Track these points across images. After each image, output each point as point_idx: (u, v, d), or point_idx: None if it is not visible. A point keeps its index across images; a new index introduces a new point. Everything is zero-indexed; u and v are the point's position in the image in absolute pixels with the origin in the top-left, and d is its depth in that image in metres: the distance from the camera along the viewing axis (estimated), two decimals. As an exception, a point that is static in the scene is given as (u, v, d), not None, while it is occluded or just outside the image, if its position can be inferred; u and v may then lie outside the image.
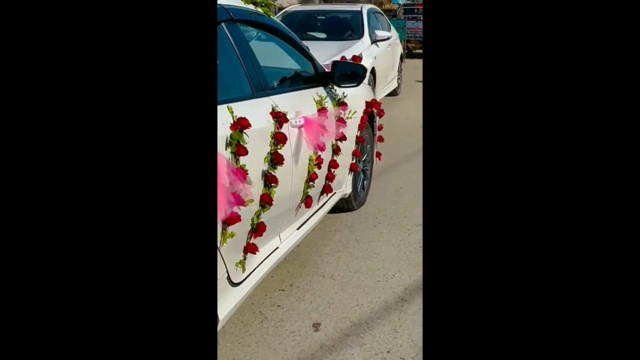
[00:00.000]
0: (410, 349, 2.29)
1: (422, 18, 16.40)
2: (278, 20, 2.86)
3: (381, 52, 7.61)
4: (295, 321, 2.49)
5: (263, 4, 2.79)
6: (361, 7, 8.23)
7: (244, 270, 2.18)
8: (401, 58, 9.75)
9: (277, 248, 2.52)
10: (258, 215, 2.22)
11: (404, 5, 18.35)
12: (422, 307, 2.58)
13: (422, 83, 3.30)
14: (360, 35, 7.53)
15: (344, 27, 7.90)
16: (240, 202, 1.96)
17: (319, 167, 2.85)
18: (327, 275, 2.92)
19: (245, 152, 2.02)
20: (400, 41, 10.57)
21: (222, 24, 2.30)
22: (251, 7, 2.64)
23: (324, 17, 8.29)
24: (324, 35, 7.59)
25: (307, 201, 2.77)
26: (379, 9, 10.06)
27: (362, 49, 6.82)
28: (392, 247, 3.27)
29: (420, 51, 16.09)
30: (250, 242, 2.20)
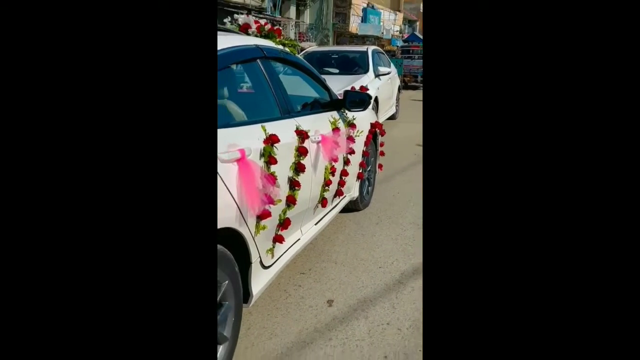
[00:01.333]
0: (406, 322, 2.29)
1: (416, 57, 16.47)
2: (301, 58, 2.88)
3: (383, 84, 7.62)
4: (313, 298, 2.51)
5: (290, 45, 2.84)
6: (367, 48, 8.26)
7: (272, 256, 2.21)
8: (399, 89, 9.72)
9: (299, 239, 2.53)
10: (284, 212, 2.24)
11: (401, 47, 18.38)
12: (414, 288, 2.59)
13: (415, 105, 3.24)
14: (366, 71, 7.54)
15: (353, 64, 7.91)
16: (271, 201, 1.98)
17: (333, 175, 2.87)
18: (339, 262, 2.93)
19: (275, 162, 2.06)
20: (398, 75, 10.56)
21: (258, 60, 2.34)
22: (280, 47, 2.68)
23: (337, 56, 8.31)
24: (337, 71, 7.59)
25: (323, 202, 2.79)
26: (381, 50, 10.08)
27: (368, 81, 6.83)
28: (391, 240, 3.27)
29: (414, 83, 16.15)
30: (278, 233, 2.22)
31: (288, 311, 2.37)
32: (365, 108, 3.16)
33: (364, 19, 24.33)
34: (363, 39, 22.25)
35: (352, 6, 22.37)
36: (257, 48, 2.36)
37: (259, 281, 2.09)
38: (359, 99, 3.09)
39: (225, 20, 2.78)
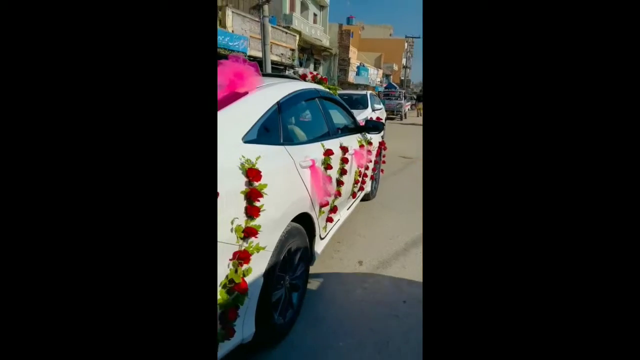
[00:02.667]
0: (412, 277, 2.20)
1: (393, 99, 16.38)
2: (338, 97, 2.80)
3: (376, 114, 7.58)
4: (349, 259, 2.41)
5: (331, 88, 2.78)
6: (366, 92, 8.30)
7: (325, 231, 2.11)
8: (385, 118, 9.71)
9: (339, 219, 2.44)
10: (333, 202, 2.15)
11: (383, 92, 18.28)
12: (417, 254, 2.49)
13: (394, 127, 3.13)
14: (366, 107, 7.48)
15: (357, 102, 7.82)
16: (329, 194, 1.90)
17: (359, 177, 2.79)
18: (362, 235, 2.83)
19: (331, 168, 1.97)
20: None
21: (316, 98, 2.26)
22: (327, 89, 2.61)
23: (346, 97, 8.27)
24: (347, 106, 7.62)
25: (353, 195, 2.71)
26: (374, 93, 10.04)
27: (368, 114, 6.77)
28: (394, 221, 3.17)
29: (392, 116, 15.98)
30: (329, 216, 2.13)
31: (332, 269, 2.28)
32: (379, 132, 3.07)
33: (358, 73, 24.31)
34: (357, 86, 22.19)
35: (350, 65, 22.31)
36: (315, 90, 2.27)
37: (318, 248, 2.00)
38: (374, 126, 3.00)
39: (287, 71, 2.74)
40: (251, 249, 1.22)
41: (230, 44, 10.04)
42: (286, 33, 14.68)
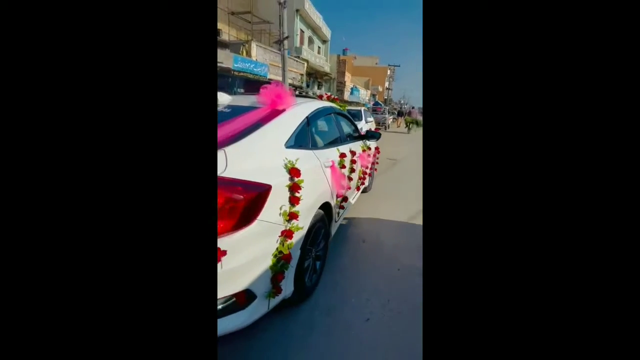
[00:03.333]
0: (403, 250, 2.22)
1: (379, 113, 16.14)
2: (346, 112, 2.80)
3: (369, 125, 7.54)
4: (354, 238, 2.42)
5: (341, 106, 2.78)
6: (361, 108, 8.28)
7: (338, 216, 2.14)
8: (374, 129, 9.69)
9: (347, 207, 2.47)
10: (345, 193, 2.18)
11: (372, 108, 18.04)
12: (414, 233, 2.51)
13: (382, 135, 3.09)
14: (360, 119, 7.44)
15: (354, 116, 7.78)
16: (344, 188, 1.93)
17: (362, 174, 2.80)
18: (365, 217, 2.85)
19: (344, 167, 1.99)
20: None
21: (332, 113, 2.27)
22: (338, 107, 2.61)
23: (347, 111, 8.32)
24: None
25: (357, 188, 2.72)
26: (365, 108, 9.97)
27: (362, 125, 6.76)
28: (389, 206, 3.17)
29: (378, 127, 15.80)
30: (342, 204, 2.14)
31: (340, 244, 2.30)
32: (377, 139, 3.08)
33: (351, 93, 24.30)
34: (350, 103, 22.14)
35: (345, 86, 22.31)
36: (330, 107, 2.29)
37: (333, 229, 2.03)
38: (372, 135, 3.02)
39: (309, 92, 2.72)
40: (293, 228, 1.26)
41: (255, 69, 9.98)
42: (297, 61, 14.62)
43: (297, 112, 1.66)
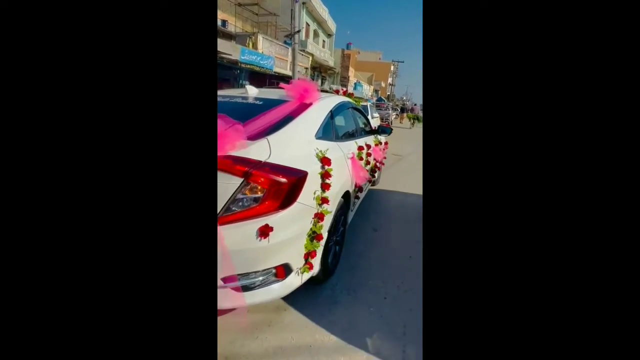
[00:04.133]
0: (412, 238, 2.34)
1: (383, 109, 16.16)
2: (360, 107, 2.90)
3: (375, 120, 7.61)
4: (365, 227, 2.55)
5: (356, 101, 2.88)
6: (367, 104, 8.28)
7: (354, 205, 2.26)
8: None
9: (361, 197, 2.59)
10: (362, 183, 2.29)
11: (375, 103, 18.03)
12: (414, 222, 2.63)
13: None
14: (367, 114, 7.53)
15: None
16: (362, 179, 2.05)
17: (375, 167, 2.91)
18: (373, 207, 2.98)
19: (362, 159, 2.11)
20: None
21: (350, 108, 2.38)
22: (353, 102, 2.71)
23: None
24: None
25: (369, 180, 2.84)
26: (372, 105, 10.04)
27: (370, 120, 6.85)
28: (395, 199, 3.30)
29: (382, 122, 15.86)
30: (357, 194, 2.27)
31: (354, 232, 2.42)
32: (388, 134, 3.19)
33: (355, 88, 24.27)
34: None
35: (349, 81, 22.28)
36: (348, 102, 2.39)
37: (350, 217, 2.15)
38: (383, 129, 3.13)
39: (329, 87, 2.80)
40: (324, 211, 1.39)
41: (261, 62, 10.01)
42: (302, 55, 14.59)
43: (323, 105, 1.78)
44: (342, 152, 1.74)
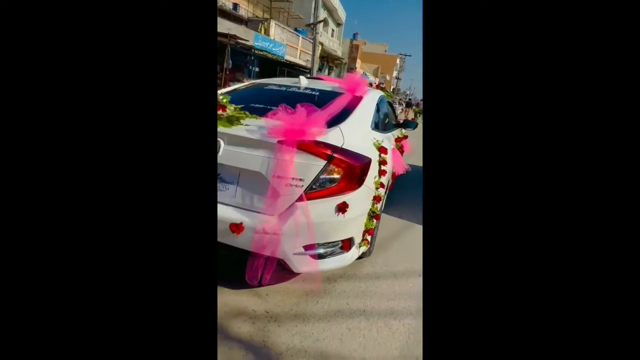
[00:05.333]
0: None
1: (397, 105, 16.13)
2: (391, 100, 3.04)
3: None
4: (391, 215, 2.75)
5: (388, 94, 3.01)
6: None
7: (385, 194, 2.43)
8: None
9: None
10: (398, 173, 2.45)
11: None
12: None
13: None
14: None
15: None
16: (404, 170, 2.22)
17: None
18: (395, 200, 3.15)
19: (397, 151, 2.27)
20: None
21: (386, 101, 2.53)
22: (386, 95, 2.85)
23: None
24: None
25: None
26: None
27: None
28: (407, 195, 3.47)
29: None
30: (390, 184, 2.43)
31: (383, 221, 2.60)
32: (413, 129, 3.32)
33: (361, 80, 24.32)
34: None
35: (355, 72, 22.32)
36: (383, 95, 2.54)
37: (383, 205, 2.31)
38: (408, 124, 3.26)
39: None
40: (380, 195, 1.56)
41: (274, 49, 10.01)
42: (312, 43, 14.52)
43: (371, 98, 1.93)
44: (389, 143, 1.91)
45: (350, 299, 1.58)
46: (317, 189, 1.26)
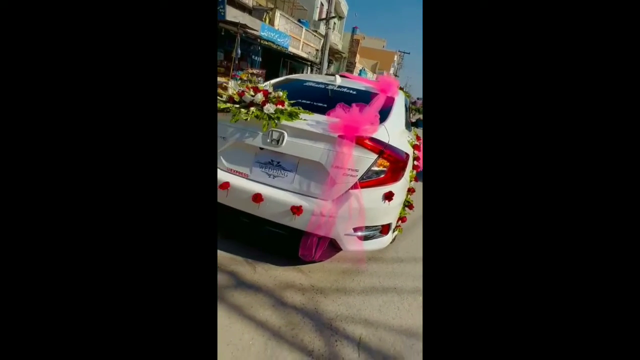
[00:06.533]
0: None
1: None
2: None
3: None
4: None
5: (407, 95, 3.19)
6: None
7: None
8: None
9: None
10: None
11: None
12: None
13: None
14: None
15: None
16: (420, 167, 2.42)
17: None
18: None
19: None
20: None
21: (407, 103, 2.72)
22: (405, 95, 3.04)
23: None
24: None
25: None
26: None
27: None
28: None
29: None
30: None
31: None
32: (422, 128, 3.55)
33: (359, 74, 24.45)
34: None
35: (355, 67, 22.35)
36: (405, 98, 2.73)
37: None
38: (419, 123, 3.48)
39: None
40: (413, 187, 1.77)
41: (279, 39, 10.02)
42: (314, 36, 14.54)
43: (401, 99, 2.12)
44: (416, 140, 2.11)
45: (381, 278, 1.79)
46: (367, 179, 1.45)
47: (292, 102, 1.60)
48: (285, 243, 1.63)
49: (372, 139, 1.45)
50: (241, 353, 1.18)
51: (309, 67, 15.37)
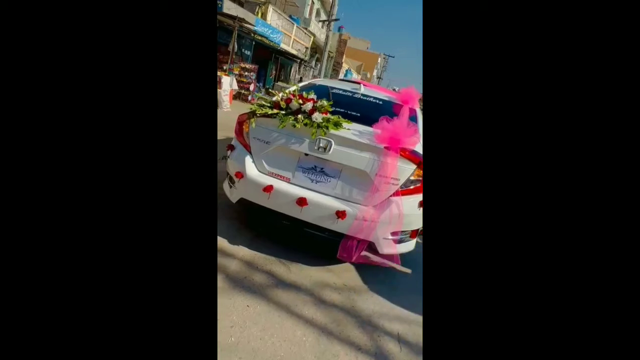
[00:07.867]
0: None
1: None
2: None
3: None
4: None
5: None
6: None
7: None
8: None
9: None
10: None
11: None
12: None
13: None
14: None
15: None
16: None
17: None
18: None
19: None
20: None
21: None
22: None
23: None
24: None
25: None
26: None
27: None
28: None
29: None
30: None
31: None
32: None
33: (345, 75, 24.75)
34: (344, 86, 22.64)
35: (341, 67, 22.59)
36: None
37: None
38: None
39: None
40: (436, 194, 1.92)
41: (272, 35, 9.94)
42: (305, 33, 14.52)
43: (420, 111, 2.27)
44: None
45: (407, 277, 1.93)
46: (406, 188, 1.57)
47: (333, 109, 1.69)
48: (322, 245, 1.71)
49: (413, 152, 1.58)
50: (298, 348, 1.26)
51: (298, 64, 15.33)
